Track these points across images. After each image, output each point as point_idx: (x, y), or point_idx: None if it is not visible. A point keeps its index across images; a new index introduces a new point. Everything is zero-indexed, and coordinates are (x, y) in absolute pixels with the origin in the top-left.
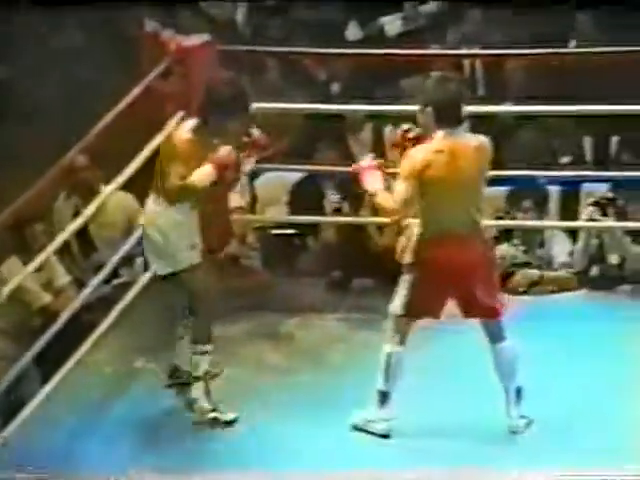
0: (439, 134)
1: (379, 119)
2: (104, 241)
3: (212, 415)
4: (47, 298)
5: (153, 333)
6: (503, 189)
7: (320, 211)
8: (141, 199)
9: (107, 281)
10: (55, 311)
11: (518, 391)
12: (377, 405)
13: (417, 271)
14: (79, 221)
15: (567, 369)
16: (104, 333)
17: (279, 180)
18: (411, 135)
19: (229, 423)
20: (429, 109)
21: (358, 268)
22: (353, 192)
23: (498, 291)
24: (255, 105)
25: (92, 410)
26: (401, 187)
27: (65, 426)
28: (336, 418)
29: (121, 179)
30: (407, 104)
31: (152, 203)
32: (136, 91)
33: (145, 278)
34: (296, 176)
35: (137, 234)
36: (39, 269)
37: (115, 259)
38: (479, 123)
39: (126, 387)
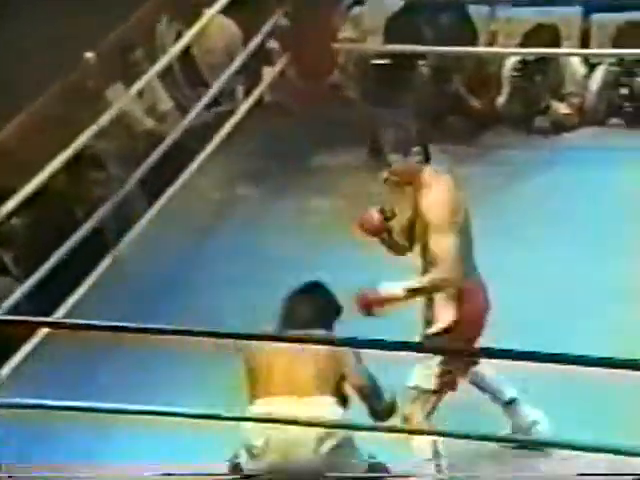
0: (428, 171)
1: None
2: (207, 67)
3: None
4: (150, 123)
5: (255, 160)
6: None
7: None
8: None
9: (209, 108)
10: (159, 136)
11: (511, 402)
12: None
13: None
14: (181, 44)
15: None
16: (207, 159)
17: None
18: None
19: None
20: (417, 149)
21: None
22: None
23: None
24: None
25: (194, 236)
26: (445, 242)
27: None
28: None
29: (221, 3)
30: None
31: None
32: None
33: (245, 107)
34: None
35: (237, 62)
36: (142, 94)
37: (217, 86)
38: None
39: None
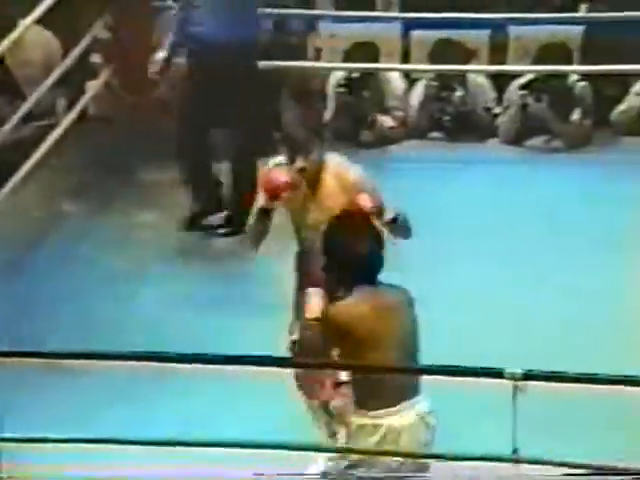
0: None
1: None
2: (24, 80)
3: None
4: None
5: (79, 175)
6: None
7: None
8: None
9: (27, 121)
10: None
11: None
12: None
13: None
14: None
15: None
16: (28, 174)
17: None
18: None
19: None
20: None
21: None
22: None
23: None
24: None
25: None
26: None
27: None
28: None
29: (37, 13)
30: None
31: None
32: None
33: (68, 120)
34: None
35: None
36: None
37: (34, 98)
38: None
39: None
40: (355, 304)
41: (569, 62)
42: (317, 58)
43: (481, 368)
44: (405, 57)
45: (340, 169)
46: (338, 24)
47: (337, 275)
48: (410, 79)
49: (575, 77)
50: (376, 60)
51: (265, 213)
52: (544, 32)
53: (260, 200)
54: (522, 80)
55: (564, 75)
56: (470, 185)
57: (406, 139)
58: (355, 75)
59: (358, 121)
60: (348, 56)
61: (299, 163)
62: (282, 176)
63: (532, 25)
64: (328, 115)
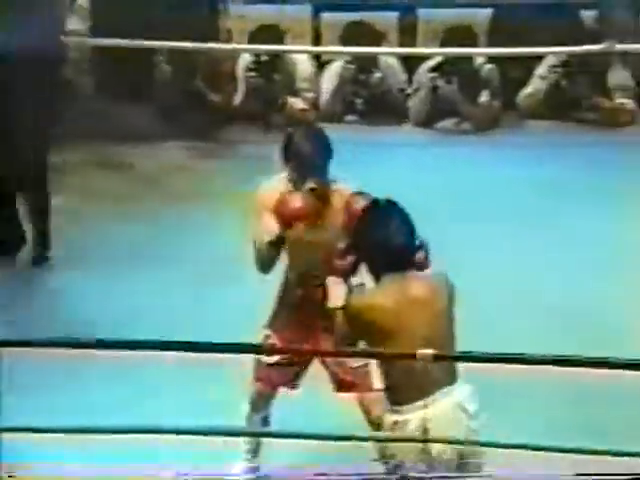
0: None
1: None
2: None
3: None
4: None
5: None
6: None
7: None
8: None
9: None
10: None
11: None
12: None
13: None
14: None
15: None
16: None
17: None
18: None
19: None
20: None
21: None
22: None
23: None
24: None
25: None
26: None
27: None
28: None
29: None
30: None
31: None
32: None
33: None
34: None
35: None
36: None
37: None
38: None
39: None
40: (378, 294)
41: (475, 45)
42: (228, 40)
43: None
44: (316, 40)
45: (349, 197)
46: (249, 5)
47: (366, 265)
48: (321, 62)
49: (482, 60)
50: (281, 42)
51: (278, 239)
52: (452, 15)
53: (271, 226)
54: (431, 63)
55: (471, 58)
56: (385, 168)
57: (319, 122)
58: (264, 58)
59: (269, 104)
60: (253, 38)
61: (309, 184)
62: (297, 202)
63: (440, 8)
64: (238, 98)
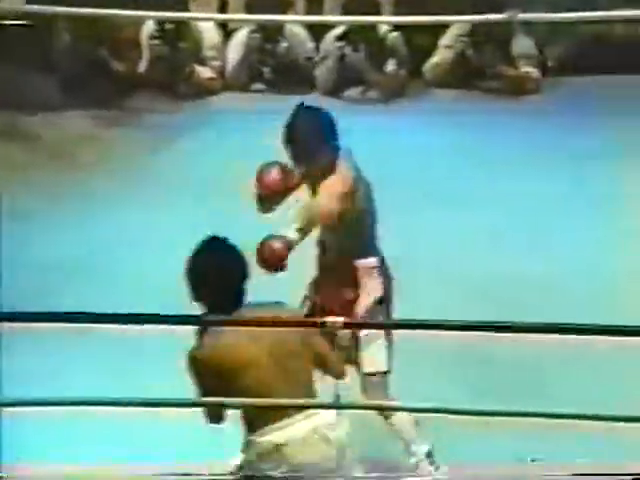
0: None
1: None
2: None
3: None
4: None
5: None
6: None
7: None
8: None
9: None
10: None
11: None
12: None
13: None
14: None
15: None
16: None
17: None
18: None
19: None
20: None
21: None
22: None
23: None
24: None
25: None
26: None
27: None
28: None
29: None
30: None
31: None
32: None
33: None
34: None
35: None
36: None
37: None
38: None
39: None
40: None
41: (378, 13)
42: (136, 8)
43: None
44: (222, 8)
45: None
46: None
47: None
48: (227, 30)
49: (387, 28)
50: (186, 9)
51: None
52: None
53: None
54: (338, 31)
55: (376, 26)
56: None
57: (226, 91)
58: (169, 26)
59: (175, 72)
60: (157, 5)
61: (302, 167)
62: (273, 174)
63: None
64: (143, 66)
